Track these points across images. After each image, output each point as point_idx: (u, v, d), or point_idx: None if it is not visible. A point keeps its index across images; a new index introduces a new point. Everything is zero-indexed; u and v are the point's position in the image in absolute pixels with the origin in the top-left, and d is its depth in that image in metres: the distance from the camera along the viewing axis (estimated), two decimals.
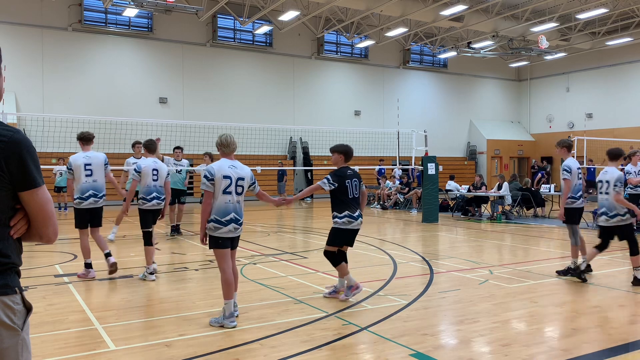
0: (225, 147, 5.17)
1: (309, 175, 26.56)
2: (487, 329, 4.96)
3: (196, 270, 7.94)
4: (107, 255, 7.22)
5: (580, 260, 7.42)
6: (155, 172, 7.34)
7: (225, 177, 5.02)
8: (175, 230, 11.93)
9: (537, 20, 24.97)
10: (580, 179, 7.57)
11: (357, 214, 6.01)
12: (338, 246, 6.07)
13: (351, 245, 6.19)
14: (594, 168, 23.62)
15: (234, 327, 4.97)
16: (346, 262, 6.14)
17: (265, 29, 25.44)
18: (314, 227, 14.21)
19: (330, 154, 6.36)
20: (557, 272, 7.54)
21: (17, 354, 1.88)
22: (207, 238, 5.12)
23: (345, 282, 6.07)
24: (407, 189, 19.96)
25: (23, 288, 1.96)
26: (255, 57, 26.34)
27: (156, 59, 23.97)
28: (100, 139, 17.62)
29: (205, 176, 5.03)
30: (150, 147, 7.46)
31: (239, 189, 5.12)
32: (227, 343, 4.58)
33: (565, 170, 7.41)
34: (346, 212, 5.97)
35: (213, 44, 25.13)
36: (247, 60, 26.09)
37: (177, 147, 12.29)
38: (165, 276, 7.59)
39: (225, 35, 25.51)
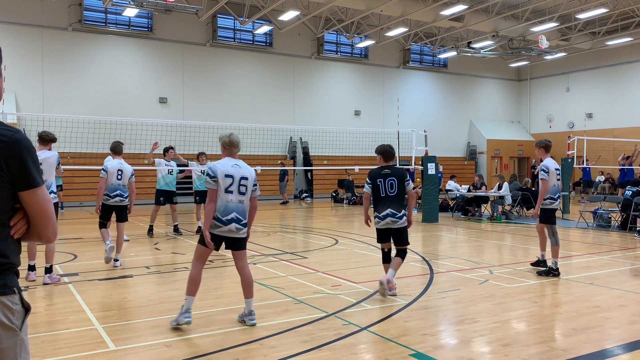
0: (234, 147, 5.15)
1: (309, 175, 26.54)
2: (487, 329, 4.96)
3: None
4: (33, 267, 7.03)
5: (540, 255, 7.69)
6: (119, 173, 8.21)
7: (228, 175, 4.98)
8: (175, 230, 11.99)
9: (537, 20, 24.97)
10: (559, 179, 7.55)
11: (384, 213, 6.14)
12: (380, 243, 6.37)
13: (395, 244, 6.25)
14: (589, 168, 23.55)
15: (187, 322, 4.89)
16: (388, 262, 6.29)
17: (265, 28, 25.43)
18: (314, 227, 14.20)
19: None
20: (537, 272, 7.50)
21: (16, 354, 1.88)
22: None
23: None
24: None
25: (22, 288, 1.96)
26: (255, 57, 26.33)
27: (156, 59, 23.97)
28: (100, 139, 17.71)
29: (207, 174, 5.00)
30: (116, 149, 8.36)
31: (242, 189, 5.04)
32: (227, 343, 4.57)
33: (543, 170, 7.43)
34: (375, 213, 6.25)
35: (213, 44, 25.13)
36: (247, 60, 26.09)
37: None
38: (165, 276, 7.60)
39: (225, 35, 25.50)
